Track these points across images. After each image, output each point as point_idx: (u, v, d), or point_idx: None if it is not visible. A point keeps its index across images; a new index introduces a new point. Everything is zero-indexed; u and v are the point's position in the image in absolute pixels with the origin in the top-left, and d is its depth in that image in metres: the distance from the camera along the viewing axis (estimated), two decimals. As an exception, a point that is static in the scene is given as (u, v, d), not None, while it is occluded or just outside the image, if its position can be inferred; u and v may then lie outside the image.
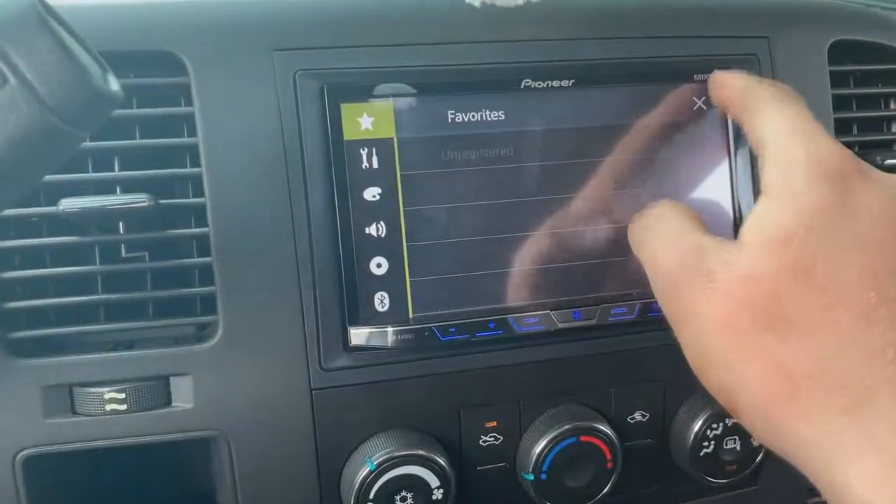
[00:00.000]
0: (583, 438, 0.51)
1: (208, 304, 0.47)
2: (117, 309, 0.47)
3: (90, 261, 0.46)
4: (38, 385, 0.45)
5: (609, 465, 0.52)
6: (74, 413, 0.45)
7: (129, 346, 0.47)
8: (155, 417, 0.46)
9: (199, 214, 0.47)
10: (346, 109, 0.47)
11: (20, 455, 0.45)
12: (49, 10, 0.31)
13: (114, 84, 0.33)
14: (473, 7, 0.48)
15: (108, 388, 0.45)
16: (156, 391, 0.46)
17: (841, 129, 0.58)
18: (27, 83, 0.28)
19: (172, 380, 0.46)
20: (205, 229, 0.46)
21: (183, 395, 0.46)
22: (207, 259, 0.46)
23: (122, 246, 0.47)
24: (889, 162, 0.58)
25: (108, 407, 0.45)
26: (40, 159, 0.31)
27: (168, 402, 0.46)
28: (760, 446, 0.55)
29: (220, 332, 0.46)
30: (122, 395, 0.45)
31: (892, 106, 0.61)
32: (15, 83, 0.28)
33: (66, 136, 0.30)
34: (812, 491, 0.62)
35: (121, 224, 0.46)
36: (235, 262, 0.46)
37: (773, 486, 0.59)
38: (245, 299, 0.46)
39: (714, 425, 0.53)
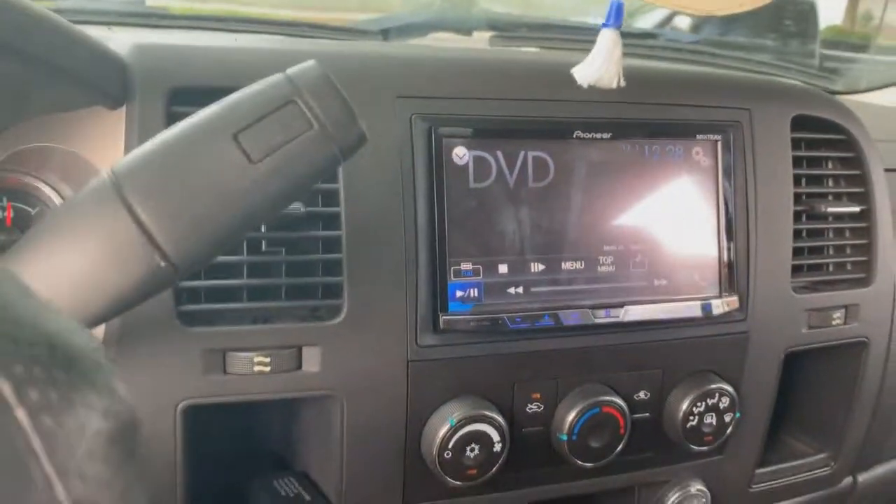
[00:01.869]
0: (604, 409, 0.66)
1: (330, 290, 0.60)
2: (257, 290, 0.59)
3: (240, 251, 0.58)
4: (200, 349, 0.56)
5: (622, 431, 0.67)
6: (226, 373, 0.57)
7: (266, 319, 0.59)
8: (289, 378, 0.58)
9: (327, 221, 0.59)
10: (447, 145, 0.61)
11: (181, 405, 0.56)
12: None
13: (363, 125, 0.45)
14: (569, 76, 0.61)
15: (255, 353, 0.57)
16: (291, 357, 0.58)
17: (795, 182, 0.75)
18: (326, 129, 0.41)
19: (304, 349, 0.58)
20: (337, 232, 0.59)
21: (312, 361, 0.58)
22: (337, 255, 0.59)
23: (263, 241, 0.59)
24: (831, 210, 0.76)
25: (256, 368, 0.57)
26: (314, 183, 0.43)
27: (300, 367, 0.59)
28: (731, 422, 0.71)
29: (344, 312, 0.59)
30: (268, 359, 0.57)
31: (830, 166, 0.80)
32: (317, 129, 0.41)
33: (336, 165, 0.43)
34: (760, 463, 0.80)
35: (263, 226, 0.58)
36: (359, 259, 0.59)
37: (733, 455, 0.76)
38: (364, 288, 0.59)
39: (698, 404, 0.70)
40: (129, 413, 0.23)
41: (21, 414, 0.22)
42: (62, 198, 0.59)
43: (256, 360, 0.57)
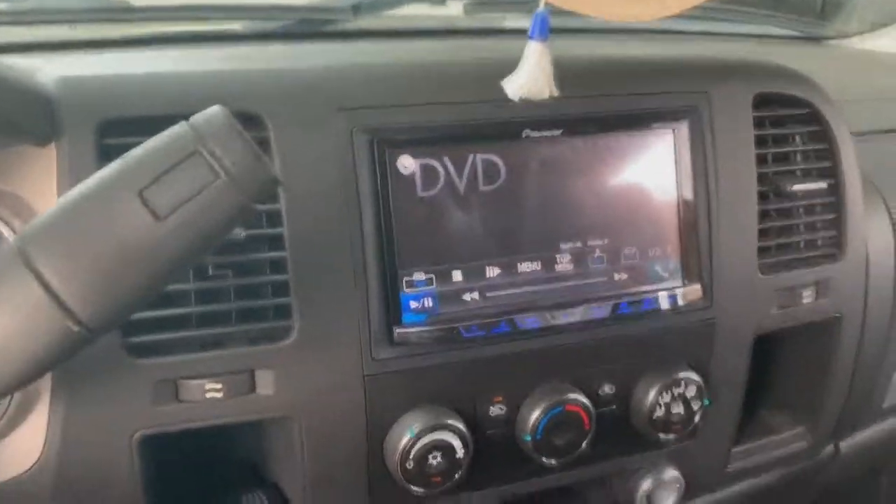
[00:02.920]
0: (567, 407, 0.66)
1: (280, 311, 0.59)
2: (207, 317, 0.58)
3: (186, 279, 0.57)
4: (151, 379, 0.56)
5: (587, 427, 0.67)
6: (179, 401, 0.57)
7: (216, 344, 0.59)
8: (243, 402, 0.58)
9: (271, 242, 0.59)
10: (391, 155, 0.60)
11: (136, 436, 0.56)
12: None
13: (273, 168, 0.44)
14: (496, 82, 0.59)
15: (207, 380, 0.57)
16: (244, 381, 0.58)
17: (760, 162, 0.74)
18: (233, 177, 0.40)
19: (257, 372, 0.58)
20: (282, 253, 0.58)
21: (265, 384, 0.58)
22: (283, 276, 0.58)
23: (210, 266, 0.59)
24: (798, 187, 0.74)
25: (208, 395, 0.57)
26: (227, 233, 0.43)
27: (253, 390, 0.59)
28: (698, 410, 0.71)
29: (295, 333, 0.58)
30: (219, 385, 0.57)
31: (797, 141, 0.78)
32: (224, 178, 0.40)
33: (250, 214, 0.42)
34: (736, 441, 0.80)
35: None
36: (307, 278, 0.59)
37: (706, 439, 0.76)
38: (314, 307, 0.59)
39: (664, 394, 0.69)
40: None
41: None
42: (13, 232, 0.58)
43: (208, 386, 0.57)
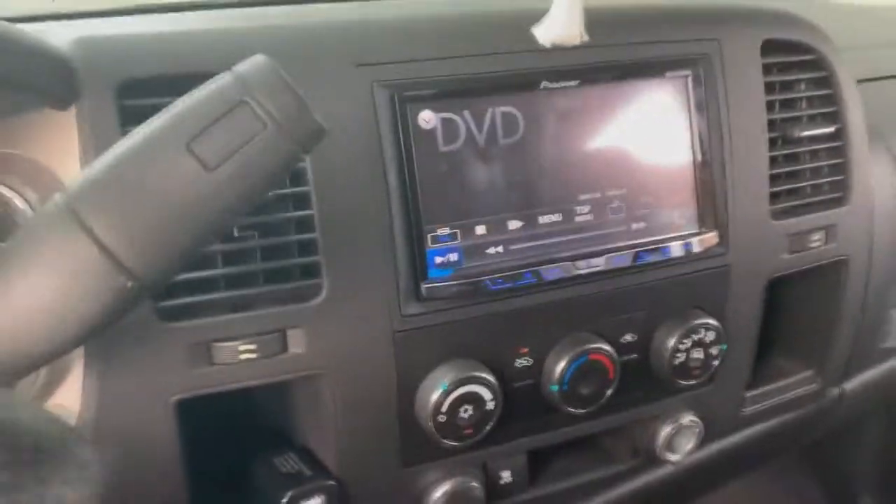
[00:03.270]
0: (591, 356, 0.67)
1: (308, 270, 0.59)
2: (234, 278, 0.58)
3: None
4: (184, 343, 0.56)
5: (611, 375, 0.68)
6: (213, 364, 0.57)
7: (246, 306, 0.58)
8: (276, 362, 0.58)
9: (297, 201, 0.58)
10: (412, 110, 0.60)
11: (172, 400, 0.56)
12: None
13: (320, 118, 0.43)
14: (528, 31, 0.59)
15: (240, 341, 0.57)
16: (276, 341, 0.58)
17: (768, 108, 0.74)
18: (281, 127, 0.39)
19: (289, 331, 0.58)
20: (309, 212, 0.58)
21: (297, 343, 0.58)
22: (311, 235, 0.58)
23: (235, 228, 0.58)
24: (805, 133, 0.75)
25: (242, 357, 0.57)
26: (276, 184, 0.42)
27: (285, 350, 0.58)
28: (718, 355, 0.72)
29: (324, 291, 0.58)
30: (253, 346, 0.57)
31: (802, 87, 0.79)
32: (272, 128, 0.39)
33: (296, 163, 0.41)
34: (749, 386, 0.81)
35: None
36: (334, 236, 0.58)
37: (722, 384, 0.77)
38: (342, 265, 0.59)
39: (684, 341, 0.71)
40: (98, 483, 0.24)
41: None
42: (27, 201, 0.57)
43: (242, 348, 0.57)
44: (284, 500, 0.61)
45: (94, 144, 0.53)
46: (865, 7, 1.31)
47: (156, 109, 0.53)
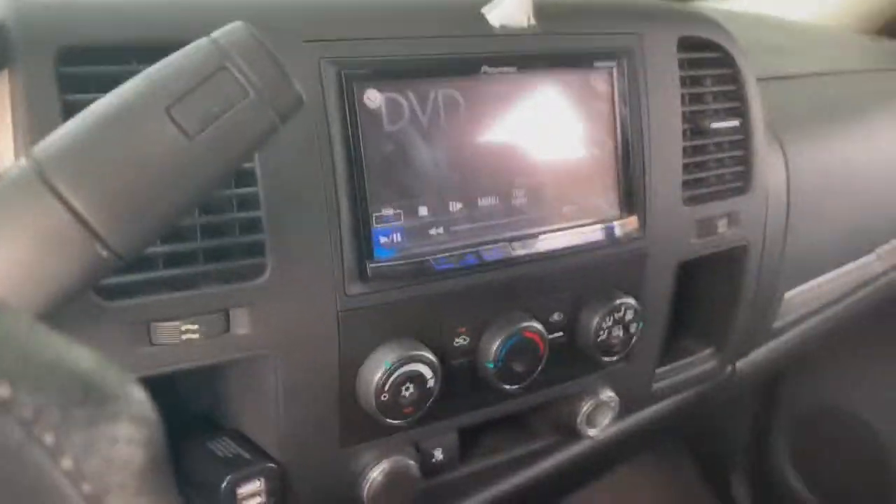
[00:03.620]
0: (525, 334, 0.69)
1: (252, 249, 0.58)
2: (173, 257, 0.56)
3: None
4: (123, 322, 0.54)
5: (541, 353, 0.71)
6: (153, 344, 0.55)
7: (188, 286, 0.56)
8: (219, 342, 0.57)
9: (241, 178, 0.57)
10: (358, 88, 0.60)
11: None
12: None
13: (298, 86, 0.42)
14: (475, 11, 0.60)
15: (181, 321, 0.55)
16: (219, 321, 0.57)
17: (681, 101, 0.79)
18: (262, 94, 0.39)
19: (232, 311, 0.57)
20: (253, 189, 0.57)
21: (240, 323, 0.57)
22: (255, 213, 0.57)
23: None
24: (714, 125, 0.81)
25: (184, 337, 0.55)
26: (254, 152, 0.41)
27: (228, 330, 0.57)
28: (636, 332, 0.77)
29: (268, 271, 0.57)
30: (195, 326, 0.55)
31: (709, 83, 0.84)
32: (254, 95, 0.38)
33: (275, 133, 0.41)
34: (661, 361, 0.87)
35: None
36: (279, 214, 0.58)
37: (636, 361, 0.82)
38: (287, 244, 0.58)
39: (607, 319, 0.74)
40: (158, 437, 0.23)
41: (43, 452, 0.21)
42: None
43: (184, 328, 0.55)
44: (224, 484, 0.60)
45: (27, 114, 0.49)
46: (759, 14, 1.41)
47: (99, 78, 0.51)
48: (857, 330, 1.34)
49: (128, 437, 0.23)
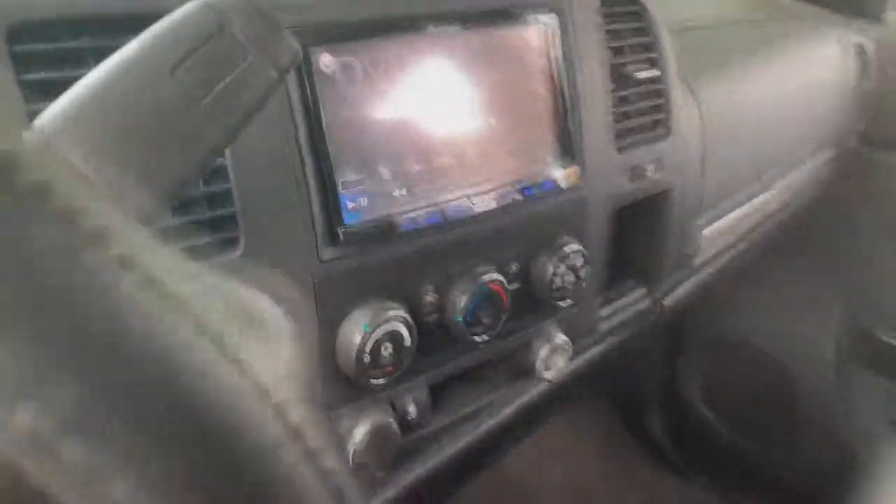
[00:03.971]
0: (489, 286, 0.72)
1: (223, 223, 0.57)
2: None
3: None
4: None
5: (504, 303, 0.74)
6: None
7: None
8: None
9: None
10: (312, 53, 0.60)
11: None
12: None
13: (296, 42, 0.42)
14: None
15: None
16: None
17: (607, 54, 0.83)
18: (264, 52, 0.38)
19: None
20: (221, 161, 0.56)
21: (219, 297, 0.57)
22: (226, 185, 0.56)
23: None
24: (641, 75, 0.85)
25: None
26: (259, 112, 0.41)
27: None
28: (585, 277, 0.80)
29: (242, 244, 0.57)
30: None
31: (628, 36, 0.89)
32: (255, 54, 0.38)
33: (276, 90, 0.40)
34: (602, 305, 0.91)
35: None
36: (248, 186, 0.57)
37: (584, 304, 0.86)
38: (258, 216, 0.58)
39: (559, 266, 0.78)
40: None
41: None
42: None
43: None
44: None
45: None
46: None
47: (54, 55, 0.49)
48: (763, 267, 1.44)
49: (290, 353, 0.25)
